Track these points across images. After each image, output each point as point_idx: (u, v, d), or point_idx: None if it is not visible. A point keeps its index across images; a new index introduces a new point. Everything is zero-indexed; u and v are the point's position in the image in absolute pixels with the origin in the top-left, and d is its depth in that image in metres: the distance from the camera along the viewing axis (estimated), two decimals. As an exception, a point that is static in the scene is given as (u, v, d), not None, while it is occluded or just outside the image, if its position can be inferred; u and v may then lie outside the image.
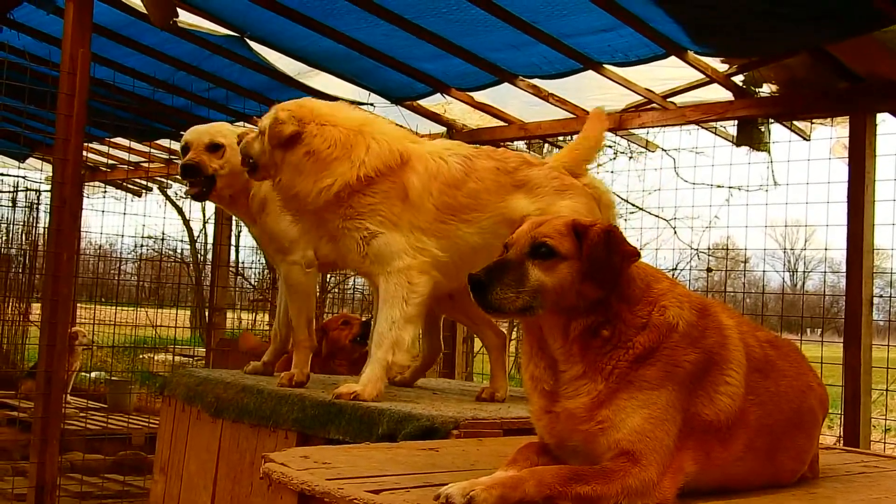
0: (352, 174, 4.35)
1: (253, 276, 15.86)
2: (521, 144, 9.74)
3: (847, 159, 6.75)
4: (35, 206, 14.53)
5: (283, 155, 4.42)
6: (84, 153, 7.61)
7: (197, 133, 5.20)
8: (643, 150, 9.53)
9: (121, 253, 15.35)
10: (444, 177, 4.53)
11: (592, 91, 7.81)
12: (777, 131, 7.67)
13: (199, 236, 20.66)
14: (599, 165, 12.86)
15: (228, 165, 5.10)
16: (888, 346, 7.39)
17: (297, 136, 4.37)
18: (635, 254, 2.59)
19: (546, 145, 12.73)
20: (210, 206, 16.71)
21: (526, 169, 4.70)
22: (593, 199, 4.74)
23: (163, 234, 16.94)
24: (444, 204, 4.50)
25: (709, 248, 11.35)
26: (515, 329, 10.56)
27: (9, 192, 14.70)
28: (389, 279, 4.36)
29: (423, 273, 4.40)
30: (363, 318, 7.12)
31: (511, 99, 8.31)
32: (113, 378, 13.67)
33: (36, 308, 12.87)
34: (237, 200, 5.27)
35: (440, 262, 4.46)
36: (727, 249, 11.28)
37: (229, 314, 12.57)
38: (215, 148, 5.13)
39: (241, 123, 10.09)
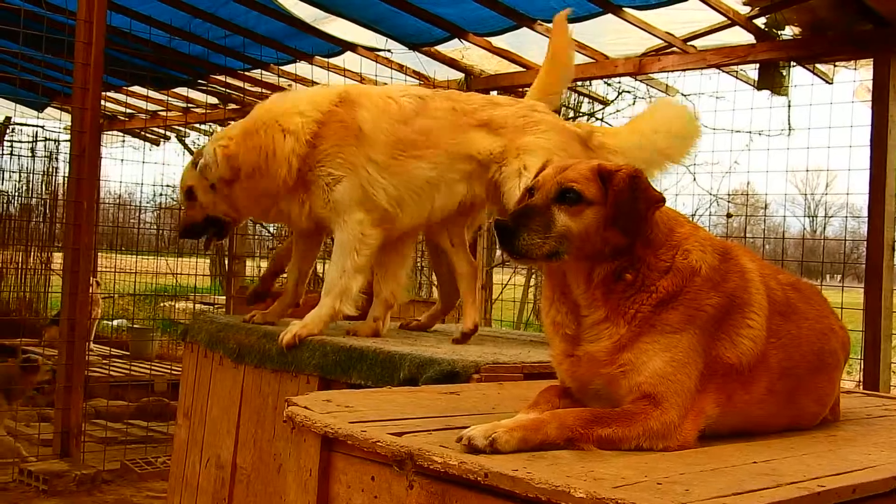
0: (297, 143, 4.49)
1: (272, 224, 15.87)
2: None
3: (870, 102, 6.68)
4: (54, 155, 14.57)
5: (230, 191, 4.58)
6: (102, 102, 7.60)
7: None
8: (663, 94, 9.46)
9: (140, 202, 15.41)
10: (393, 113, 4.60)
11: (611, 35, 7.74)
12: (799, 75, 7.59)
13: (217, 184, 20.67)
14: (618, 111, 12.82)
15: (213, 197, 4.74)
16: (909, 290, 7.34)
17: (234, 170, 4.52)
18: (661, 199, 2.57)
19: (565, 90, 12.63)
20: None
21: (490, 108, 4.74)
22: (573, 138, 4.71)
23: (182, 182, 16.97)
24: (396, 139, 4.56)
25: (728, 194, 11.30)
26: (534, 275, 10.56)
27: (28, 141, 14.75)
28: (344, 228, 4.52)
29: (374, 227, 4.55)
30: None
31: (529, 44, 8.23)
32: (135, 326, 13.79)
33: (57, 257, 12.96)
34: (268, 210, 4.81)
35: (390, 214, 4.59)
36: (747, 195, 11.22)
37: (248, 262, 12.63)
38: (189, 195, 4.76)
39: (257, 70, 10.08)
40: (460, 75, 9.09)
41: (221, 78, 10.66)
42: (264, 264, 14.24)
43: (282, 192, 4.56)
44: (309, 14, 8.40)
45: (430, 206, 4.67)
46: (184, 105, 12.08)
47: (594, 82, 10.17)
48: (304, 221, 4.68)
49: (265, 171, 4.48)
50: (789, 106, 7.88)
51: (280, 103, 4.69)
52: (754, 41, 7.21)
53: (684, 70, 7.92)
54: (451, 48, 8.74)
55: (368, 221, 4.52)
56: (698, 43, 7.54)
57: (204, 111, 12.09)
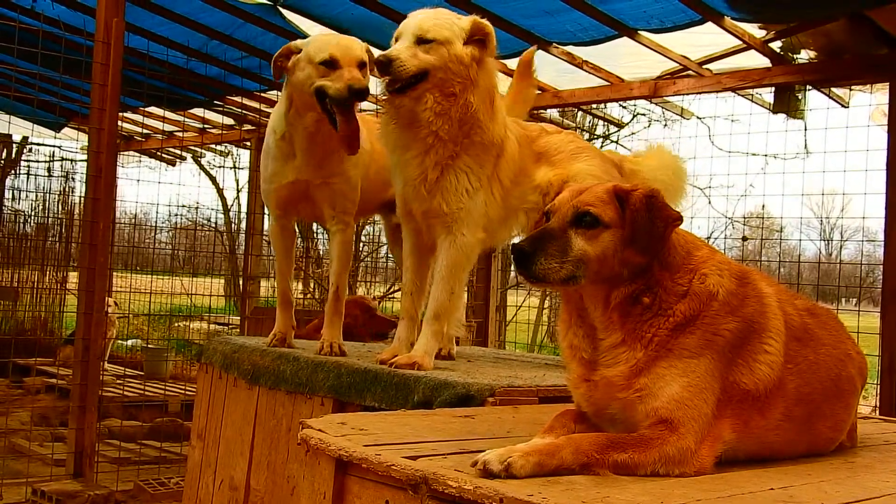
0: (501, 132, 4.35)
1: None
2: (554, 112, 9.68)
3: (887, 126, 6.66)
4: (71, 175, 14.68)
5: (481, 62, 4.25)
6: (119, 122, 7.64)
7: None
8: (678, 117, 9.47)
9: (156, 222, 15.49)
10: (521, 136, 4.55)
11: (627, 58, 7.75)
12: (815, 98, 7.59)
13: (232, 205, 20.80)
14: (633, 133, 12.83)
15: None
16: (926, 315, 7.29)
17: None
18: (678, 218, 2.57)
19: (580, 113, 12.67)
20: (243, 175, 16.80)
21: (545, 136, 4.69)
22: (612, 165, 4.70)
23: (197, 203, 17.12)
24: (519, 164, 4.50)
25: (743, 217, 11.30)
26: (548, 297, 10.55)
27: (45, 161, 14.85)
28: (455, 244, 4.28)
29: (477, 250, 4.42)
30: (379, 311, 6.88)
31: (545, 66, 8.24)
32: (149, 346, 13.83)
33: (73, 276, 13.02)
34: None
35: (487, 241, 4.51)
36: (762, 218, 11.20)
37: (263, 283, 12.66)
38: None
39: (273, 91, 10.13)
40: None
41: (238, 99, 10.72)
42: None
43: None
44: (325, 36, 8.45)
45: (507, 235, 4.66)
46: (200, 126, 12.15)
47: (609, 105, 10.19)
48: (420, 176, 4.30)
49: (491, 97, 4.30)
50: (805, 129, 7.88)
51: None
52: (770, 65, 7.21)
53: (699, 93, 7.93)
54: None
55: (478, 244, 4.38)
56: (714, 66, 7.55)
57: (220, 132, 12.15)
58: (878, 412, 6.47)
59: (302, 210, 5.02)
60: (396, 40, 4.19)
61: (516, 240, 3.90)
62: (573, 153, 4.60)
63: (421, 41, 4.13)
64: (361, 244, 13.01)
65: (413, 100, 4.15)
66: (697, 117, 9.31)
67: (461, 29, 4.19)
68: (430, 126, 4.18)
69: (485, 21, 4.25)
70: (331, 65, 4.45)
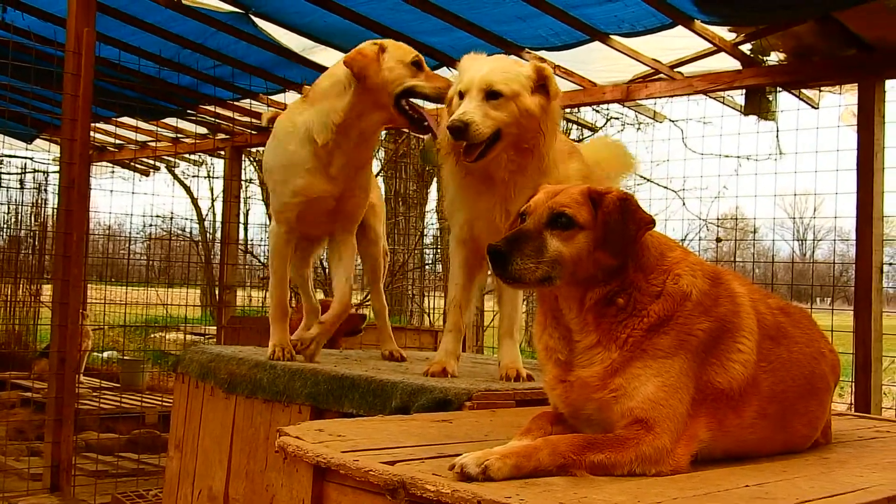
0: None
1: (262, 253, 15.93)
2: (557, 112, 9.68)
3: (856, 127, 6.73)
4: (43, 187, 14.57)
5: (548, 110, 4.16)
6: (91, 133, 7.61)
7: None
8: (651, 121, 9.52)
9: (130, 233, 15.39)
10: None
11: (599, 62, 7.78)
12: (785, 100, 7.64)
13: (207, 214, 20.72)
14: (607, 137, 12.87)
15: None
16: (899, 313, 7.38)
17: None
18: (650, 221, 2.59)
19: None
20: (218, 185, 16.79)
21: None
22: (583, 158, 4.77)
23: (171, 213, 17.01)
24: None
25: (718, 219, 11.37)
26: (525, 301, 10.58)
27: (17, 173, 14.75)
28: None
29: None
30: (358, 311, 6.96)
31: (518, 72, 8.28)
32: (125, 357, 13.74)
33: (47, 289, 12.93)
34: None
35: None
36: (736, 219, 11.29)
37: (239, 292, 12.61)
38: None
39: (247, 100, 10.11)
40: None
41: (211, 108, 10.68)
42: (255, 294, 14.27)
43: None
44: (297, 44, 8.43)
45: None
46: (173, 135, 12.09)
47: (582, 109, 10.22)
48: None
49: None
50: (777, 131, 7.93)
51: None
52: (740, 67, 7.26)
53: (671, 96, 7.96)
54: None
55: None
56: (685, 69, 7.59)
57: (193, 141, 12.10)
58: (853, 409, 6.52)
59: (319, 226, 4.94)
60: (462, 93, 4.03)
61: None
62: (569, 153, 4.63)
63: (490, 96, 3.97)
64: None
65: (488, 161, 4.05)
66: (670, 120, 9.35)
67: (527, 78, 4.05)
68: (507, 184, 4.15)
69: (545, 65, 4.17)
70: (419, 66, 4.49)
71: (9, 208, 14.73)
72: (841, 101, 7.57)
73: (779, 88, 7.45)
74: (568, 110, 9.34)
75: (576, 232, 2.53)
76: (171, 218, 17.79)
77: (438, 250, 14.88)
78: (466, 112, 3.89)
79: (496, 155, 4.03)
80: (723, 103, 8.12)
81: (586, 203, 2.57)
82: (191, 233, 19.62)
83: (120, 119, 11.44)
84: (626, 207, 2.56)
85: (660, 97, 8.07)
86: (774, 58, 7.18)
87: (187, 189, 19.28)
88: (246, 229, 18.21)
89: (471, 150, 3.97)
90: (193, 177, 18.18)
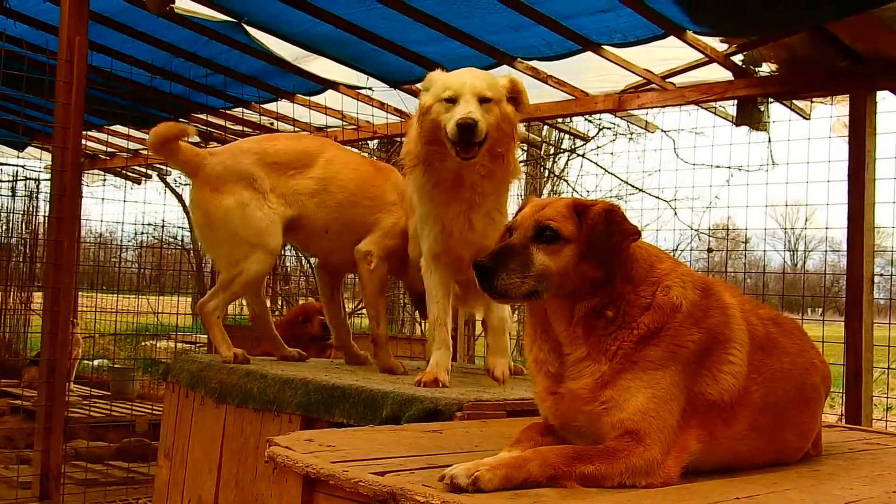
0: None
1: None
2: (519, 126, 9.71)
3: (847, 138, 6.74)
4: (35, 194, 14.53)
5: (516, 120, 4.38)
6: (83, 141, 7.59)
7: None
8: (643, 131, 9.53)
9: (121, 241, 15.34)
10: None
11: (591, 72, 7.79)
12: (777, 110, 7.66)
13: (198, 223, 20.61)
14: (599, 147, 12.90)
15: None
16: (889, 324, 7.39)
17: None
18: (635, 232, 2.59)
19: (545, 127, 12.73)
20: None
21: None
22: None
23: (163, 221, 16.90)
24: None
25: (709, 229, 11.37)
26: (515, 312, 10.57)
27: (8, 181, 14.70)
28: None
29: None
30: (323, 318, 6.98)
31: (509, 81, 8.28)
32: (115, 366, 13.68)
33: (37, 297, 12.88)
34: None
35: None
36: (728, 230, 11.29)
37: (230, 301, 12.54)
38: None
39: (239, 109, 10.10)
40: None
41: (203, 116, 10.67)
42: (244, 303, 14.22)
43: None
44: (290, 53, 8.43)
45: None
46: (165, 144, 12.03)
47: (574, 119, 10.24)
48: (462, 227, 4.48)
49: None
50: (769, 141, 7.95)
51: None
52: (732, 78, 7.28)
53: (663, 106, 7.97)
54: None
55: None
56: (677, 80, 7.61)
57: (185, 150, 12.06)
58: (843, 420, 6.52)
59: None
60: (453, 98, 4.17)
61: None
62: None
63: (482, 101, 4.15)
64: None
65: (476, 161, 4.22)
66: (662, 130, 9.37)
67: (504, 87, 4.28)
68: (475, 189, 4.33)
69: (518, 79, 4.37)
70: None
71: (0, 216, 14.69)
72: (832, 112, 7.60)
73: (770, 99, 7.47)
74: (560, 120, 9.35)
75: (561, 245, 2.53)
76: (163, 226, 17.71)
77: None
78: (472, 112, 4.07)
79: (482, 155, 4.20)
80: (714, 114, 8.13)
81: (571, 216, 2.57)
82: (182, 241, 19.56)
83: (112, 127, 11.41)
84: (611, 219, 2.56)
85: (652, 107, 8.08)
86: (766, 68, 7.20)
87: (179, 197, 19.20)
88: (237, 237, 18.14)
89: (469, 147, 4.11)
90: (185, 185, 18.11)
